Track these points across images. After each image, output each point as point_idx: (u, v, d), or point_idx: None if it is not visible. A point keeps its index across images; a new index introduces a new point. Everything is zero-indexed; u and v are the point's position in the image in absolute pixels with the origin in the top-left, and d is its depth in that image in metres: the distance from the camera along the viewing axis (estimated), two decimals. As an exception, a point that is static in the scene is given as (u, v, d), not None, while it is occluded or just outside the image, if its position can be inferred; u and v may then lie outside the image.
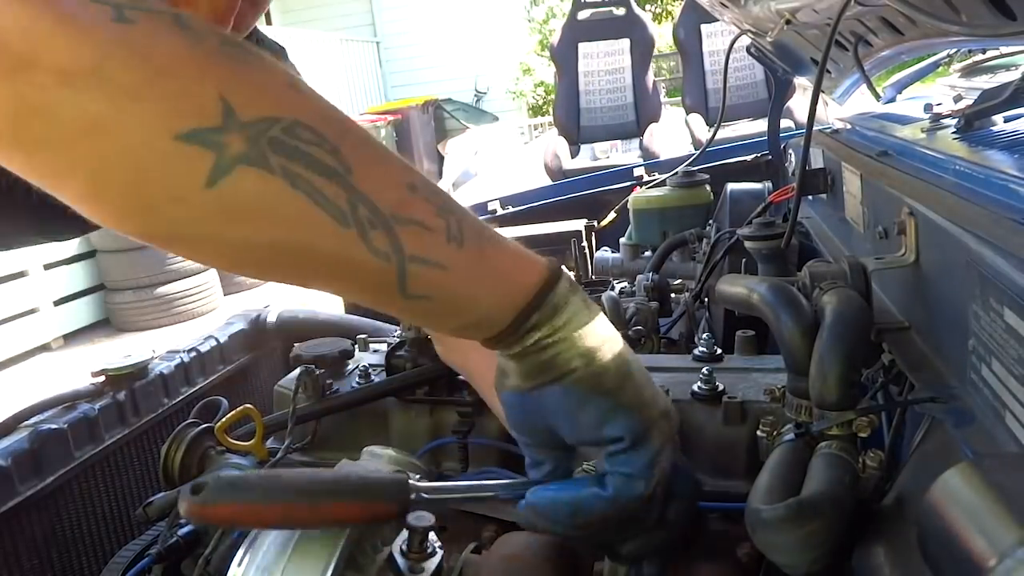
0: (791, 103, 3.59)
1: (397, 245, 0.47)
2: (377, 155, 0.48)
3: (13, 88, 0.39)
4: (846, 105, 1.57)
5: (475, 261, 0.51)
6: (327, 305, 1.61)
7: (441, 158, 8.87)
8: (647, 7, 11.47)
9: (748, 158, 2.22)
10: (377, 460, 0.70)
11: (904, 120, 1.19)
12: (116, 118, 0.40)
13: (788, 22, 1.20)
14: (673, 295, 1.40)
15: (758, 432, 0.71)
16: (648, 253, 1.72)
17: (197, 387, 1.30)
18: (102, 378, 1.16)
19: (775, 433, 0.67)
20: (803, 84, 2.71)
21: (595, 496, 0.56)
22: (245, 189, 0.42)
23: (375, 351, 1.15)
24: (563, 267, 0.56)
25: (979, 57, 1.38)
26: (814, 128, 1.08)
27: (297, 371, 1.02)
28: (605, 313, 1.07)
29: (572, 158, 5.32)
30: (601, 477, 0.57)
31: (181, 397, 1.27)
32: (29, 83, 0.39)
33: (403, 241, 0.47)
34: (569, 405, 0.55)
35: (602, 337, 0.56)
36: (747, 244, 1.10)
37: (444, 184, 7.75)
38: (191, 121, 0.41)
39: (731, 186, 1.56)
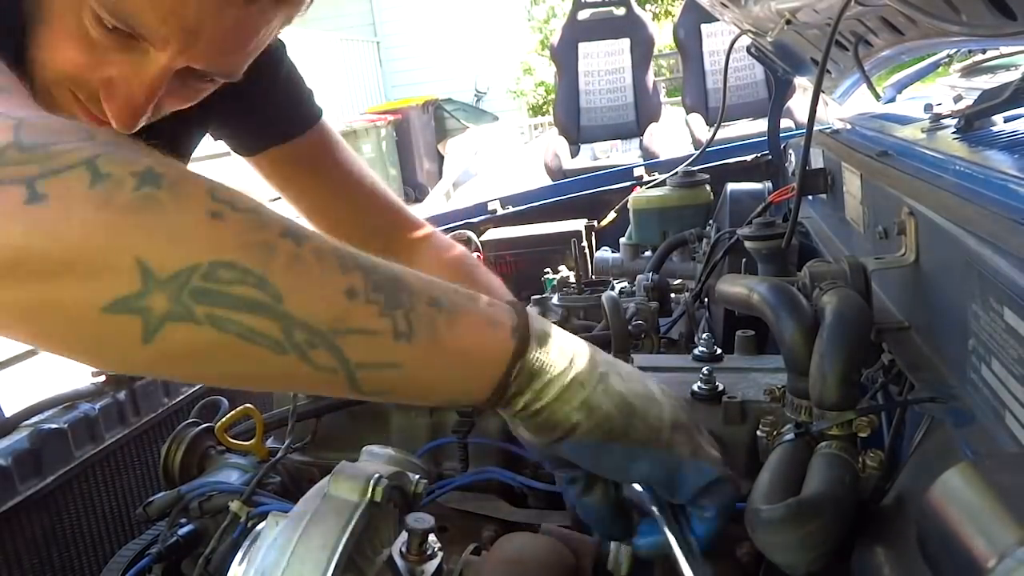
0: (791, 103, 3.58)
1: (341, 358, 0.47)
2: (310, 268, 0.46)
3: None
4: (846, 105, 1.57)
5: (429, 352, 0.50)
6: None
7: (441, 158, 8.86)
8: (647, 7, 11.44)
9: (748, 158, 2.22)
10: (377, 460, 0.70)
11: (904, 120, 1.19)
12: (48, 302, 0.42)
13: (788, 22, 1.20)
14: (673, 295, 1.40)
15: (758, 432, 0.71)
16: (648, 253, 1.72)
17: (197, 387, 1.30)
18: (102, 378, 1.16)
19: (775, 433, 0.67)
20: (803, 84, 2.71)
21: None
22: (177, 341, 0.44)
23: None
24: (530, 319, 0.54)
25: (979, 57, 1.38)
26: (814, 128, 1.08)
27: (297, 371, 1.02)
28: (605, 315, 1.08)
29: (572, 158, 5.30)
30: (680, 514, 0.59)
31: (181, 397, 1.26)
32: None
33: (347, 353, 0.47)
34: (586, 456, 0.56)
35: (593, 380, 0.54)
36: (747, 244, 1.10)
37: (444, 184, 7.73)
38: (113, 292, 0.42)
39: (731, 186, 1.56)
